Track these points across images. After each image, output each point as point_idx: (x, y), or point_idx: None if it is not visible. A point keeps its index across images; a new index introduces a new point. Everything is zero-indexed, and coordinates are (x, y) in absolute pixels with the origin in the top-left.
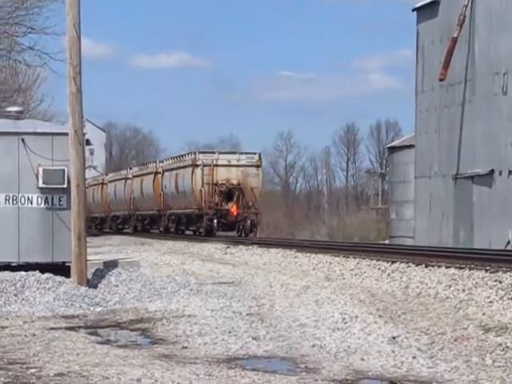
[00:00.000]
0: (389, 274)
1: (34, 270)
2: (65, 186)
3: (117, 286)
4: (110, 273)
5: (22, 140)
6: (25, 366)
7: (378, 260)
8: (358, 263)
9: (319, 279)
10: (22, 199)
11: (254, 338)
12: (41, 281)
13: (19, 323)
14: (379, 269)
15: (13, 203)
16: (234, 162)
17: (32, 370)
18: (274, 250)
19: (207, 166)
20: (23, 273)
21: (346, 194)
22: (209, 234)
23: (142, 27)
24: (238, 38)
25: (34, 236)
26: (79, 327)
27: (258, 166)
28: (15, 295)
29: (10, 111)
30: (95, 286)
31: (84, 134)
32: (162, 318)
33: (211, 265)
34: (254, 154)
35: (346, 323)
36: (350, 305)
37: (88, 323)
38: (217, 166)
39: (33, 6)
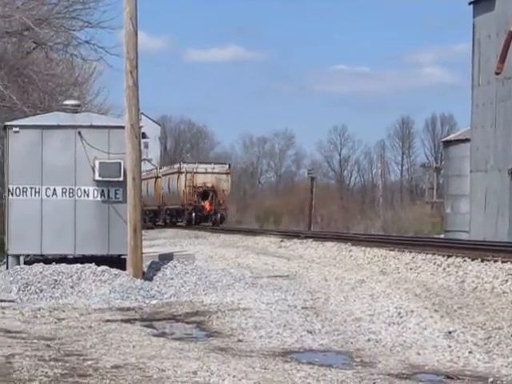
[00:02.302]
0: (444, 269)
1: (90, 262)
2: (121, 179)
3: (172, 278)
4: (166, 266)
5: (79, 133)
6: (81, 358)
7: (433, 254)
8: (413, 257)
9: (374, 273)
10: (79, 192)
11: (310, 332)
12: (97, 273)
13: (76, 315)
14: (435, 263)
15: (69, 196)
16: (209, 170)
17: (89, 362)
18: (328, 244)
19: (189, 172)
20: (79, 265)
21: (401, 188)
22: (189, 224)
23: (195, 21)
24: (292, 31)
25: (90, 229)
26: (135, 319)
27: (227, 173)
28: (71, 287)
29: (66, 105)
30: (151, 279)
31: (140, 128)
32: (217, 311)
33: (266, 258)
34: (225, 164)
35: (401, 317)
36: (406, 299)
37: (144, 316)
38: (196, 172)
39: (89, 1)
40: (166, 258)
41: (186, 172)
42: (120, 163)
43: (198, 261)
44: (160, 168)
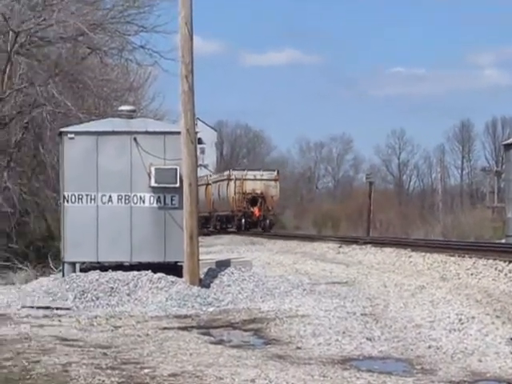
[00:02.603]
0: (506, 274)
1: (147, 269)
2: (177, 185)
3: (229, 285)
4: (223, 272)
5: (135, 139)
6: (139, 366)
7: (494, 259)
8: (474, 263)
9: (434, 279)
10: (135, 198)
11: (369, 339)
12: (153, 280)
13: (132, 323)
14: (496, 268)
15: (125, 202)
16: (258, 177)
17: (146, 370)
18: (387, 250)
19: (238, 179)
20: (136, 272)
21: (461, 193)
22: (238, 230)
23: (250, 24)
24: (348, 34)
25: (146, 236)
26: (192, 327)
27: (276, 180)
28: (128, 295)
29: (122, 110)
30: (208, 286)
31: (196, 133)
32: (275, 318)
33: (324, 264)
34: (274, 170)
35: (462, 324)
36: (467, 305)
37: (201, 323)
38: (245, 179)
39: (144, 5)
40: (222, 264)
41: (236, 179)
42: (176, 169)
43: (255, 267)
44: (211, 175)
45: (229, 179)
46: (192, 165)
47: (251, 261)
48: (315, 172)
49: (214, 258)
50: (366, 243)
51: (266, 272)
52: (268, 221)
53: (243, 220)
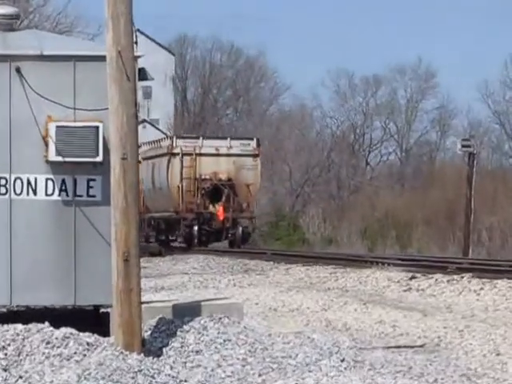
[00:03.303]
0: None
1: (41, 321)
2: (99, 159)
3: (199, 351)
4: (187, 327)
5: (17, 70)
6: None
7: None
8: None
9: None
10: (17, 185)
11: None
12: (53, 342)
13: None
14: None
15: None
16: (223, 151)
17: None
18: (503, 284)
19: (188, 155)
20: (20, 326)
21: None
22: (188, 244)
23: None
24: None
25: (41, 255)
26: None
27: (255, 156)
28: (5, 370)
29: None
30: (158, 353)
31: (135, 59)
32: None
33: (381, 311)
34: (250, 139)
35: None
36: None
37: None
38: (201, 155)
39: None
40: (187, 311)
41: (183, 154)
42: (97, 128)
43: (248, 317)
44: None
45: (171, 154)
46: (128, 119)
47: (242, 305)
48: (365, 135)
49: (170, 299)
50: (461, 271)
51: (270, 326)
52: (241, 228)
53: (195, 227)
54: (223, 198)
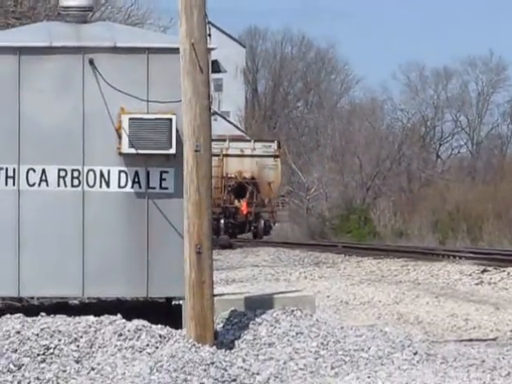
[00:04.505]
0: None
1: (113, 313)
2: (172, 151)
3: (271, 344)
4: (259, 319)
5: (91, 62)
6: None
7: None
8: None
9: None
10: (90, 177)
11: None
12: (125, 334)
13: None
14: None
15: (72, 184)
16: (247, 152)
17: None
18: None
19: (216, 155)
20: (92, 318)
21: None
22: (216, 235)
23: None
24: None
25: (113, 248)
26: None
27: (276, 157)
28: (77, 362)
29: (66, 7)
30: (230, 345)
31: (209, 52)
32: None
33: (453, 304)
34: (272, 141)
35: None
36: None
37: None
38: (227, 155)
39: None
40: (258, 304)
41: (212, 155)
42: (170, 121)
43: (320, 310)
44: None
45: None
46: (201, 112)
47: (314, 297)
48: (436, 128)
49: (241, 291)
50: None
51: (342, 319)
52: (262, 221)
53: (222, 220)
54: (247, 195)
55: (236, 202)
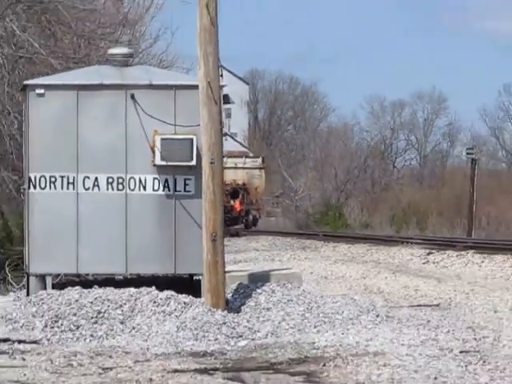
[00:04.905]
0: None
1: (149, 285)
2: (193, 162)
3: (269, 309)
4: (259, 290)
5: (132, 96)
6: None
7: None
8: None
9: None
10: (132, 182)
11: None
12: (158, 302)
13: (128, 363)
14: None
15: (118, 188)
16: (240, 165)
17: None
18: (499, 258)
19: None
20: (133, 290)
21: None
22: None
23: None
24: None
25: (149, 236)
26: (215, 369)
27: (260, 169)
28: (122, 322)
29: (113, 54)
30: (237, 310)
31: (221, 88)
32: (335, 356)
33: (406, 279)
34: (258, 157)
35: None
36: None
37: (228, 364)
38: (225, 168)
39: None
40: (259, 278)
41: None
42: (192, 140)
43: (305, 283)
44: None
45: None
46: (215, 133)
47: (300, 273)
48: (392, 145)
49: (246, 269)
50: (466, 248)
51: (322, 290)
52: (251, 216)
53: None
54: (240, 196)
55: (231, 201)
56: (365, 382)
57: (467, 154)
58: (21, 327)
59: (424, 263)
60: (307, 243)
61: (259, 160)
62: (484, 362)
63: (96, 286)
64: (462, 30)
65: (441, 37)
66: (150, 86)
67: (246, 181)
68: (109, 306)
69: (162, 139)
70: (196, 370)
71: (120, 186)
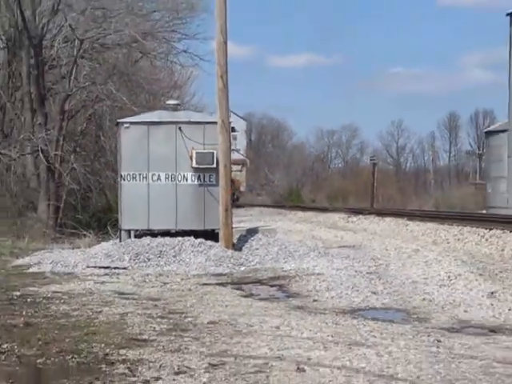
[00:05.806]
0: (487, 239)
1: (189, 236)
2: (214, 166)
3: (257, 249)
4: (252, 238)
5: (179, 128)
6: (183, 315)
7: (477, 227)
8: (460, 230)
9: (427, 243)
10: (179, 177)
11: (374, 293)
12: (194, 245)
13: (177, 280)
14: (478, 234)
15: (171, 180)
16: (233, 169)
17: (189, 319)
18: (388, 219)
19: None
20: (180, 238)
21: (449, 172)
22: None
23: (274, 31)
24: (359, 36)
25: (189, 208)
26: (227, 283)
27: (241, 171)
28: (174, 257)
29: (168, 104)
30: (240, 249)
31: (229, 123)
32: (295, 275)
33: (335, 231)
34: (239, 164)
35: (450, 280)
36: (454, 265)
37: (234, 280)
38: None
39: (186, 16)
40: (252, 231)
41: None
42: (213, 153)
43: (278, 234)
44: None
45: None
46: (226, 149)
47: (276, 228)
48: (328, 155)
49: (245, 226)
50: (370, 214)
51: (288, 238)
52: (235, 196)
53: None
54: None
55: None
56: (312, 290)
57: (370, 159)
58: (116, 260)
59: (346, 222)
60: (279, 211)
61: (240, 166)
62: (380, 278)
63: (159, 236)
64: (366, 90)
65: (355, 93)
66: (190, 122)
67: (233, 177)
68: (166, 247)
69: (197, 152)
70: (216, 284)
71: (172, 179)
